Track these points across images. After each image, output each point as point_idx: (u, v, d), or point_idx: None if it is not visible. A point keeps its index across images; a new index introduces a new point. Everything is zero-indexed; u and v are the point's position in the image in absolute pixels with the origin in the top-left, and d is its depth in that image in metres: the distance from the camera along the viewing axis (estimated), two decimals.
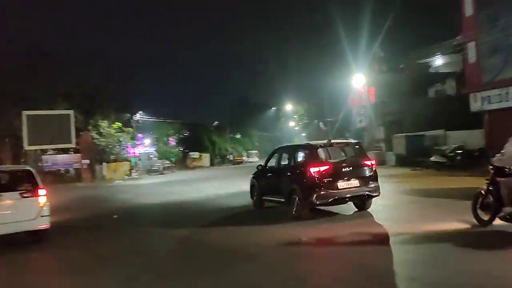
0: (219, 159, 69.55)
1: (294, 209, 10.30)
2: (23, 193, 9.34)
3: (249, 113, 79.63)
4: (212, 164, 65.24)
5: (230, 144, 75.04)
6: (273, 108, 76.93)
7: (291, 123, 69.17)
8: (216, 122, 75.09)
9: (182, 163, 59.52)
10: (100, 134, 41.70)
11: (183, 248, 8.68)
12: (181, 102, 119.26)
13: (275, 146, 15.08)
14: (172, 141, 60.11)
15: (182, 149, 62.12)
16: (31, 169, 10.14)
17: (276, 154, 12.30)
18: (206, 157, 65.97)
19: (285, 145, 13.86)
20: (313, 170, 9.92)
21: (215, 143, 70.33)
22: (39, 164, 36.92)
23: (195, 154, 63.44)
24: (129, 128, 45.55)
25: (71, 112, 37.11)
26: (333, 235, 8.47)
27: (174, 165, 53.17)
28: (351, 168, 10.22)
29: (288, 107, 66.79)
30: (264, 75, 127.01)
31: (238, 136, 79.63)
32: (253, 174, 13.23)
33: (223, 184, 23.39)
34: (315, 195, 9.81)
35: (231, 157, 71.76)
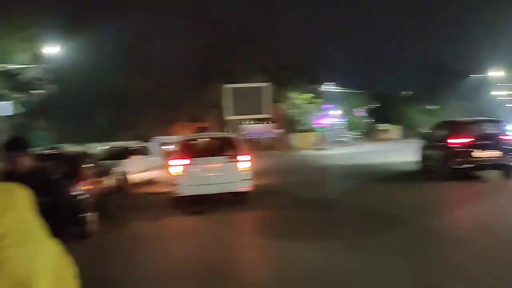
0: (409, 131, 65.80)
1: (439, 172, 12.78)
2: (229, 158, 10.39)
3: (446, 81, 72.58)
4: (401, 137, 62.18)
5: (422, 115, 70.15)
6: (474, 75, 68.45)
7: (498, 92, 60.63)
8: (408, 92, 70.76)
9: (370, 135, 58.35)
10: (291, 105, 43.73)
11: (370, 217, 8.57)
12: (371, 72, 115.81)
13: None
14: (360, 112, 59.23)
15: (370, 120, 60.78)
16: (235, 136, 11.20)
17: (435, 127, 14.79)
18: (395, 130, 63.20)
19: (442, 120, 15.46)
20: (454, 141, 12.34)
21: (406, 114, 66.60)
22: (239, 133, 40.86)
23: (384, 126, 61.31)
24: (319, 99, 46.55)
25: (266, 84, 39.75)
26: None
27: (361, 136, 52.49)
28: (490, 141, 12.13)
29: (495, 73, 58.54)
30: (466, 38, 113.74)
31: (432, 107, 73.73)
32: (421, 144, 15.28)
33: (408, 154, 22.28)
34: (455, 161, 12.10)
35: (422, 130, 67.01)
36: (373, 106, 60.70)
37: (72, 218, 7.53)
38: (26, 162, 3.17)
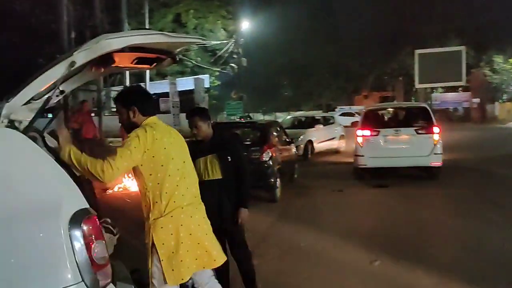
0: None
1: None
2: (418, 129, 9.66)
3: None
4: None
5: None
6: None
7: None
8: None
9: None
10: (493, 70, 38.36)
11: None
12: None
13: None
14: None
15: None
16: (426, 106, 10.34)
17: None
18: None
19: None
20: None
21: None
22: (428, 102, 37.87)
23: None
24: None
25: (462, 48, 35.60)
26: None
27: None
28: None
29: None
30: None
31: None
32: None
33: None
34: None
35: None
36: None
37: (260, 183, 8.03)
38: (205, 128, 3.60)
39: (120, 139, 11.10)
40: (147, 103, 2.79)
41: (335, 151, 15.91)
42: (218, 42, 23.99)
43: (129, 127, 2.73)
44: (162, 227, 2.66)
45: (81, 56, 2.30)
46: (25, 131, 2.28)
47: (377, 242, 5.70)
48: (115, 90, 18.47)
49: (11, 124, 2.39)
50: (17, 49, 16.13)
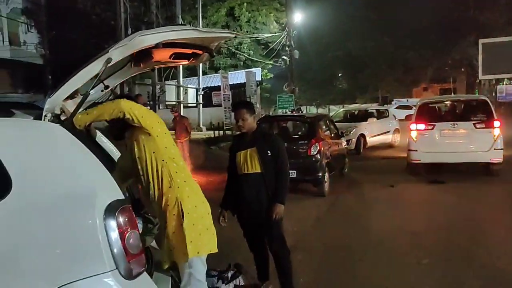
0: None
1: None
2: (476, 123, 9.17)
3: None
4: None
5: None
6: None
7: None
8: None
9: None
10: None
11: None
12: None
13: None
14: None
15: None
16: (486, 99, 9.76)
17: None
18: None
19: None
20: None
21: None
22: (493, 94, 35.72)
23: None
24: None
25: None
26: None
27: None
28: None
29: None
30: None
31: None
32: None
33: None
34: None
35: None
36: None
37: (308, 177, 7.97)
38: (250, 121, 3.63)
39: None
40: None
41: (389, 146, 15.45)
42: (270, 35, 23.97)
43: (117, 132, 2.81)
44: (188, 196, 2.70)
45: (116, 53, 2.38)
46: (66, 125, 2.39)
47: (428, 240, 5.49)
48: (169, 84, 18.99)
49: (55, 118, 2.52)
50: (81, 47, 17.00)
